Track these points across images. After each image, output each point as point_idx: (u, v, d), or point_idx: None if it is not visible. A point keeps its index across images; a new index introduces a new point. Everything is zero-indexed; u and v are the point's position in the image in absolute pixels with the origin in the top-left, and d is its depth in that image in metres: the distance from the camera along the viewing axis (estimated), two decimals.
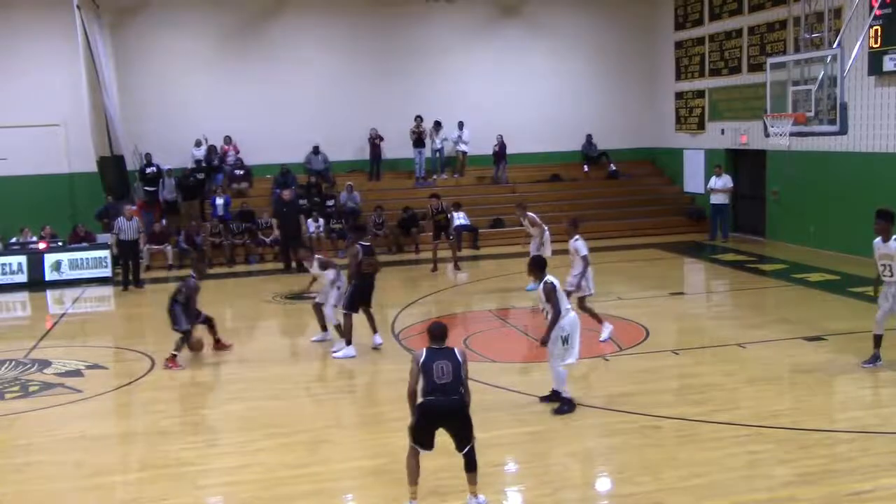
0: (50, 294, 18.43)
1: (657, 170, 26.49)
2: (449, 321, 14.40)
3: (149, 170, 22.52)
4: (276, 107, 23.96)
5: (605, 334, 12.32)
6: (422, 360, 7.06)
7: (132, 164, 22.93)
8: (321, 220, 21.91)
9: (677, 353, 11.75)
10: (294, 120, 23.95)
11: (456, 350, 7.20)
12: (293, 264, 19.06)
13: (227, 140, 23.47)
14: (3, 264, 19.03)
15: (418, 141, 24.30)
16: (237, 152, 23.59)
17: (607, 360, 11.52)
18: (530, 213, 16.19)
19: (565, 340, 9.34)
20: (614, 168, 25.72)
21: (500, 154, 24.69)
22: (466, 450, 7.12)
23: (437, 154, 24.75)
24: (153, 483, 8.02)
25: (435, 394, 6.99)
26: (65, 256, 19.32)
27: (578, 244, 12.40)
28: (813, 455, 8.00)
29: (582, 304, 12.14)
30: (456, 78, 25.16)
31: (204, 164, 23.02)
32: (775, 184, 20.87)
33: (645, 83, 26.30)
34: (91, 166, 21.80)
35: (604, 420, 9.24)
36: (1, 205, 21.72)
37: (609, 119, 26.04)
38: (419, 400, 7.07)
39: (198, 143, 23.16)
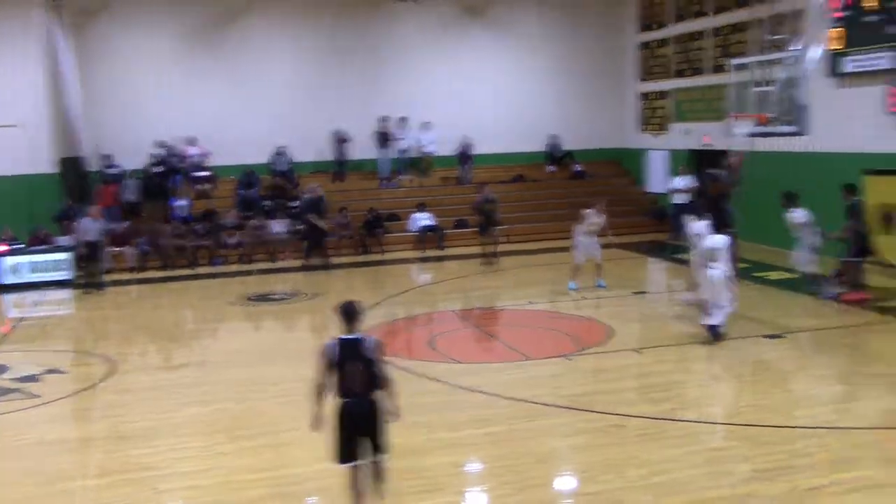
0: (8, 298, 18.14)
1: (621, 170, 26.67)
2: (413, 322, 14.45)
3: (110, 170, 22.24)
4: (240, 107, 23.79)
5: None
6: (336, 358, 6.58)
7: (94, 165, 22.64)
8: (286, 221, 21.75)
9: (640, 352, 11.84)
10: (258, 120, 23.78)
11: (367, 342, 6.72)
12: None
13: (191, 141, 23.25)
14: None
15: (383, 141, 24.25)
16: (201, 153, 23.37)
17: (570, 359, 11.57)
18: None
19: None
20: (579, 168, 25.86)
21: (464, 154, 24.72)
22: (378, 458, 6.69)
23: (402, 154, 24.72)
24: (114, 489, 7.90)
25: (349, 396, 6.59)
26: (24, 259, 19.02)
27: None
28: (772, 451, 8.10)
29: None
30: (421, 78, 25.15)
31: (164, 165, 22.76)
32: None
33: (609, 84, 26.46)
34: (51, 167, 21.49)
35: (567, 420, 9.28)
36: None
37: (574, 119, 26.17)
38: (337, 401, 6.62)
39: (159, 144, 22.90)
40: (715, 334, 11.79)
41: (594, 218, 16.03)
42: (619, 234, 22.61)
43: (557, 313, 14.56)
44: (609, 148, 26.74)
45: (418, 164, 25.07)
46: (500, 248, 19.94)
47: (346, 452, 6.63)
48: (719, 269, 11.84)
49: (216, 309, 16.30)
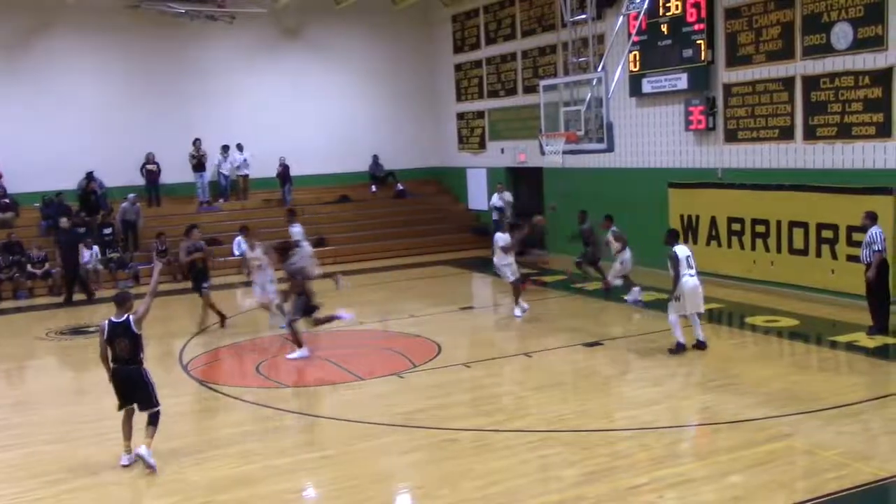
0: None
1: (443, 188, 27.22)
2: (240, 348, 14.10)
3: None
4: (45, 130, 22.46)
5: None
6: (106, 334, 8.60)
7: None
8: (96, 249, 20.66)
9: (469, 367, 12.09)
10: (65, 144, 22.53)
11: (131, 320, 8.61)
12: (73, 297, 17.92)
13: None
14: None
15: (198, 165, 23.59)
16: None
17: (402, 377, 11.66)
18: None
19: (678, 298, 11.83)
20: (401, 188, 26.17)
21: (283, 176, 24.43)
22: (150, 412, 8.68)
23: (220, 178, 24.15)
24: None
25: (118, 362, 8.63)
26: None
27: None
28: (596, 454, 8.48)
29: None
30: (237, 100, 24.67)
31: None
32: (553, 199, 22.01)
33: (428, 104, 26.99)
34: None
35: (401, 437, 9.34)
36: None
37: (395, 139, 26.48)
38: (112, 365, 8.65)
39: None
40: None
41: (257, 252, 15.40)
42: (444, 251, 23.23)
43: (387, 332, 14.64)
44: (430, 167, 27.25)
45: (236, 186, 24.56)
46: (327, 269, 19.78)
47: (120, 402, 8.78)
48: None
49: (24, 345, 15.27)
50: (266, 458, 8.79)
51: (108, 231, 21.60)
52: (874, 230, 12.44)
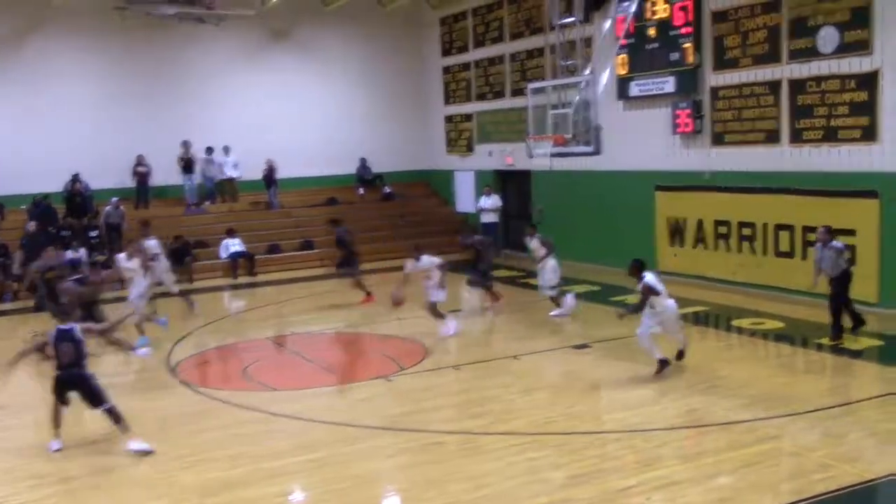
0: None
1: (430, 191, 27.22)
2: (226, 351, 14.06)
3: None
4: (30, 132, 22.31)
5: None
6: (53, 340, 9.21)
7: None
8: (83, 251, 20.53)
9: (457, 369, 12.09)
10: (51, 146, 22.38)
11: (76, 329, 9.29)
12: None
13: None
14: None
15: (187, 167, 23.53)
16: None
17: (390, 380, 11.65)
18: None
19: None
20: (388, 190, 26.15)
21: (270, 178, 24.37)
22: (101, 409, 9.15)
23: (207, 180, 24.08)
24: None
25: (63, 369, 9.16)
26: None
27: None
28: (584, 457, 8.49)
29: None
30: (225, 102, 24.58)
31: None
32: (540, 202, 22.05)
33: (416, 107, 26.98)
34: None
35: (388, 440, 9.32)
36: None
37: (383, 142, 26.45)
38: (55, 373, 9.23)
39: None
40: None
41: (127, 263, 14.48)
42: (431, 254, 23.11)
43: (375, 335, 14.62)
44: (418, 170, 27.23)
45: (223, 189, 24.50)
46: (315, 272, 19.82)
47: (58, 400, 9.29)
48: None
49: (8, 349, 15.11)
50: (255, 461, 8.76)
51: (94, 234, 21.49)
52: (837, 243, 12.61)
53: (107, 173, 22.93)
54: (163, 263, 14.44)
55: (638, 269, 11.30)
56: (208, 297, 18.82)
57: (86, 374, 9.28)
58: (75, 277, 15.18)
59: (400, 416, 10.07)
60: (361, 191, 26.07)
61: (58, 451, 9.13)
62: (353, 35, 26.14)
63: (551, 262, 15.39)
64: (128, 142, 23.07)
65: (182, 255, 21.09)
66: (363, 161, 26.23)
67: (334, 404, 10.86)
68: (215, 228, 22.64)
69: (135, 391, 11.77)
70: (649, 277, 11.21)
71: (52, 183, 22.14)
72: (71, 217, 21.73)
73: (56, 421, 9.25)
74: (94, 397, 9.22)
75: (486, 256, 16.43)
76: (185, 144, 23.42)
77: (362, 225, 24.25)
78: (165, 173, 23.52)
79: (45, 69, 22.67)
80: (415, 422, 9.80)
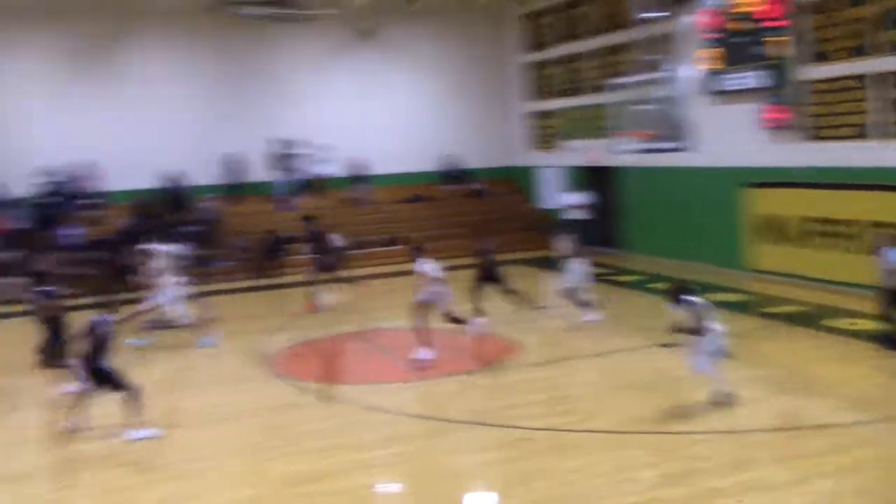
0: None
1: (514, 187, 27.22)
2: (316, 344, 14.35)
3: None
4: (132, 131, 23.21)
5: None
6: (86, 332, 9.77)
7: None
8: (179, 246, 21.17)
9: (544, 366, 12.12)
10: (151, 144, 23.21)
11: (108, 321, 9.76)
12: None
13: (82, 166, 22.46)
14: None
15: (277, 164, 24.09)
16: (92, 179, 22.64)
17: (477, 375, 11.74)
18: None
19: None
20: (475, 186, 26.26)
21: (359, 175, 24.76)
22: (123, 395, 9.72)
23: (298, 176, 24.59)
24: None
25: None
26: None
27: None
28: (674, 457, 8.43)
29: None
30: (315, 100, 25.11)
31: (53, 192, 22.00)
32: (624, 198, 21.83)
33: (499, 103, 27.02)
34: None
35: (475, 435, 9.41)
36: None
37: (467, 138, 26.57)
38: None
39: (47, 171, 22.07)
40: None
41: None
42: (517, 250, 23.19)
43: (461, 331, 14.70)
44: (501, 166, 27.26)
45: (313, 185, 24.98)
46: (401, 267, 19.97)
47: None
48: None
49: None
50: (343, 452, 8.96)
51: (189, 229, 22.16)
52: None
53: (203, 170, 23.64)
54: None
55: (678, 292, 10.03)
56: (298, 293, 19.22)
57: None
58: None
59: (487, 411, 10.16)
60: (447, 187, 26.24)
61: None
62: (436, 33, 26.36)
63: (577, 265, 14.95)
64: (221, 139, 23.78)
65: (274, 249, 21.63)
66: (448, 157, 26.39)
67: (421, 398, 11.02)
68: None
69: (228, 382, 12.17)
70: (694, 298, 9.95)
71: (152, 180, 22.93)
72: (168, 212, 22.49)
73: (79, 408, 9.75)
74: (116, 384, 9.80)
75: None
76: (276, 142, 23.97)
77: (443, 222, 24.48)
78: (257, 170, 24.11)
79: (143, 70, 23.58)
80: (503, 417, 9.87)
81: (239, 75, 24.45)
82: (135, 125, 23.26)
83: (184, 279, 14.94)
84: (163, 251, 15.30)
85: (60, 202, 21.92)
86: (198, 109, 23.96)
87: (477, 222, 24.69)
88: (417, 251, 13.27)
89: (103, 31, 23.42)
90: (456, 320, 13.14)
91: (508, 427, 9.53)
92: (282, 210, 23.98)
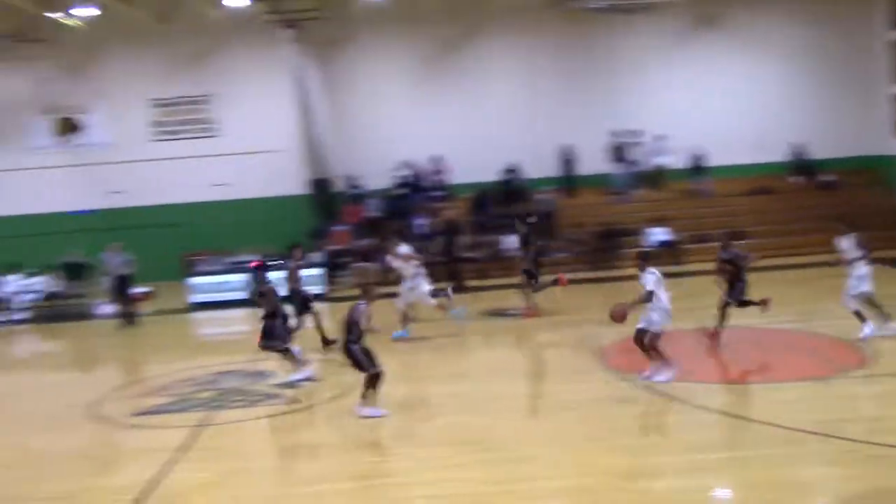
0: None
1: (874, 179, 24.68)
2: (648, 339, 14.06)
3: (355, 190, 23.60)
4: (473, 126, 24.48)
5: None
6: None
7: (340, 185, 24.18)
8: (514, 237, 21.94)
9: None
10: (489, 138, 24.30)
11: (360, 307, 10.42)
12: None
13: (432, 161, 24.09)
14: (226, 282, 20.46)
15: (616, 156, 24.01)
16: (439, 172, 24.22)
17: (825, 382, 10.81)
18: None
19: None
20: (826, 178, 24.22)
21: (698, 166, 23.92)
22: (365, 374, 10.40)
23: (636, 168, 24.33)
24: (363, 493, 8.32)
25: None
26: (281, 274, 20.43)
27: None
28: None
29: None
30: (653, 90, 24.74)
31: (406, 185, 23.82)
32: None
33: (859, 86, 24.65)
34: (302, 189, 23.19)
35: (820, 448, 8.66)
36: (226, 225, 23.43)
37: (817, 127, 24.57)
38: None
39: (400, 165, 23.96)
40: None
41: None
42: (877, 248, 20.93)
43: (809, 334, 13.67)
44: (859, 156, 24.83)
45: (652, 177, 24.57)
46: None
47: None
48: None
49: (453, 324, 16.68)
50: (673, 451, 8.74)
51: (530, 221, 22.81)
52: None
53: (538, 163, 24.23)
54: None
55: None
56: (633, 286, 18.98)
57: (350, 348, 10.47)
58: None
59: (834, 422, 9.30)
60: (796, 179, 24.48)
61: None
62: (786, 14, 24.77)
63: (863, 269, 12.96)
64: (557, 132, 24.20)
65: (609, 242, 21.64)
66: (797, 147, 24.60)
67: (763, 402, 10.37)
68: (641, 217, 22.82)
69: (560, 372, 12.35)
70: None
71: (491, 173, 23.93)
72: (505, 205, 23.36)
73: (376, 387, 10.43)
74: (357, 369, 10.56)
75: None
76: (616, 133, 23.90)
77: (789, 216, 22.88)
78: (594, 162, 24.20)
79: (487, 68, 24.79)
80: (852, 431, 8.99)
81: (577, 68, 24.79)
82: (477, 121, 24.48)
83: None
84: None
85: (410, 194, 23.65)
86: (536, 103, 24.67)
87: (827, 217, 22.81)
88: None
89: (453, 33, 24.91)
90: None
91: (859, 442, 8.65)
92: (619, 203, 23.87)
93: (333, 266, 21.36)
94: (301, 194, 23.61)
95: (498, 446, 9.30)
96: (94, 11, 21.64)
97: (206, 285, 20.95)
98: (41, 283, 21.58)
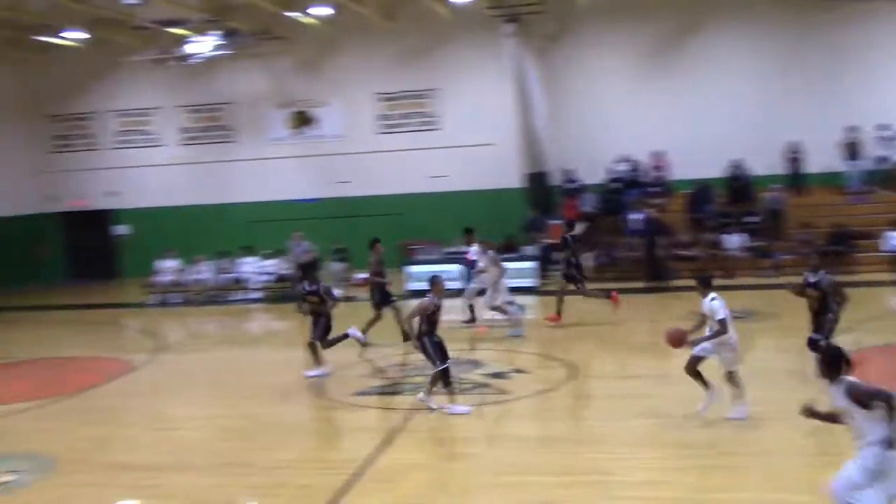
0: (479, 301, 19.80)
1: None
2: (887, 352, 13.04)
3: (571, 184, 23.49)
4: (695, 121, 23.54)
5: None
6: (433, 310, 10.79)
7: (556, 179, 24.16)
8: (738, 237, 21.08)
9: None
10: (712, 133, 23.22)
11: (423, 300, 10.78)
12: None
13: (652, 155, 23.52)
14: (442, 271, 20.94)
15: (852, 153, 22.34)
16: (659, 168, 23.60)
17: None
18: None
19: None
20: None
21: None
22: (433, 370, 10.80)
23: (876, 166, 22.51)
24: (569, 488, 8.28)
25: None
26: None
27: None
28: None
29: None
30: (892, 82, 22.74)
31: (622, 180, 23.41)
32: None
33: None
34: (518, 182, 23.38)
35: None
36: (442, 217, 24.07)
37: None
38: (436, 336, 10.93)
39: (623, 159, 23.53)
40: None
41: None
42: None
43: None
44: None
45: (892, 176, 22.64)
46: None
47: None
48: None
49: (667, 323, 16.20)
50: None
51: (751, 219, 21.83)
52: None
53: (762, 160, 22.93)
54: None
55: None
56: (868, 293, 17.67)
57: (422, 342, 10.91)
58: None
59: None
60: None
61: None
62: None
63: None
64: (784, 127, 22.76)
65: (839, 244, 20.25)
66: None
67: None
68: (879, 219, 21.13)
69: (784, 379, 11.71)
70: None
71: (713, 169, 22.97)
72: (731, 203, 22.39)
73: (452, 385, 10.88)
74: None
75: None
76: (852, 129, 22.26)
77: None
78: (827, 159, 22.64)
79: (709, 58, 23.72)
80: None
81: (808, 60, 23.09)
82: (699, 115, 23.48)
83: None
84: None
85: (627, 189, 23.20)
86: (762, 98, 23.32)
87: None
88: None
89: (676, 26, 24.08)
90: None
91: None
92: (855, 203, 22.22)
93: (547, 260, 21.35)
94: (517, 188, 23.79)
95: (705, 452, 8.98)
96: (328, 10, 22.81)
97: (422, 273, 21.59)
98: (274, 265, 23.09)
